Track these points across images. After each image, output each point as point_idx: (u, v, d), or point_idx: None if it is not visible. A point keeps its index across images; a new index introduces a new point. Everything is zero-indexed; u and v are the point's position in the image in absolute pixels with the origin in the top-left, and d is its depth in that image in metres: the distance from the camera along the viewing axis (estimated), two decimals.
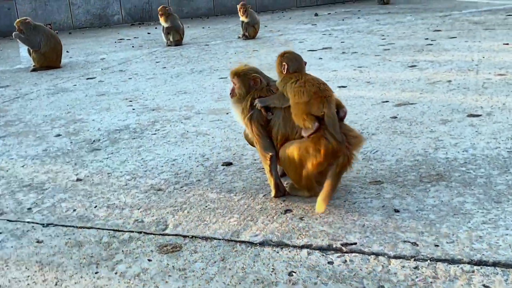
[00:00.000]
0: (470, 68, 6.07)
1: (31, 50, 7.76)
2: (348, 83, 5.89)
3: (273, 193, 3.19)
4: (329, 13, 12.64)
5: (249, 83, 3.13)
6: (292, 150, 2.84)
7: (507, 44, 7.25)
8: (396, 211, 2.95)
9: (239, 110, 3.20)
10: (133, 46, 9.67)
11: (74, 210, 3.24)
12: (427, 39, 8.14)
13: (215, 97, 5.70)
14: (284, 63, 2.96)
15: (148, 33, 11.29)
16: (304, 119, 2.77)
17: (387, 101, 5.05)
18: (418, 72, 6.12)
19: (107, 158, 4.10)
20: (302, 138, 2.86)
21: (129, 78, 6.96)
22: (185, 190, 3.42)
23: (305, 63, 3.08)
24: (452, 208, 2.94)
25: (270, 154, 3.05)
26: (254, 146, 3.40)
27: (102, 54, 9.02)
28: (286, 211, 3.03)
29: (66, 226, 3.04)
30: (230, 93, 3.24)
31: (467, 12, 10.93)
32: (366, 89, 5.58)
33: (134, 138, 4.53)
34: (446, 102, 4.89)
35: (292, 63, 2.95)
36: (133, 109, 5.41)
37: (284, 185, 3.23)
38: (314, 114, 2.78)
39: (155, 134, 4.60)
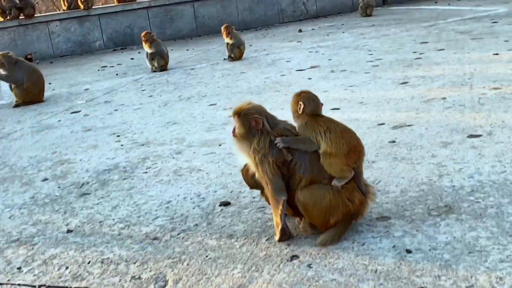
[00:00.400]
0: (463, 83, 5.97)
1: (13, 86, 7.55)
2: (340, 104, 5.76)
3: (277, 237, 3.03)
4: (313, 29, 12.56)
5: (249, 124, 2.97)
6: (321, 196, 2.79)
7: (497, 54, 7.18)
8: (408, 251, 2.80)
9: (245, 149, 3.02)
10: (117, 74, 9.50)
11: (67, 267, 3.04)
12: (415, 52, 8.06)
13: (206, 126, 5.54)
14: (300, 103, 2.85)
15: (132, 59, 11.12)
16: (342, 169, 2.74)
17: (383, 124, 4.91)
18: (411, 89, 6.01)
19: (98, 204, 3.91)
20: (329, 184, 2.81)
21: (115, 110, 6.78)
22: (183, 238, 3.24)
23: (322, 104, 2.92)
24: (466, 245, 2.80)
25: (284, 198, 2.90)
26: (254, 188, 3.23)
27: (86, 84, 8.84)
28: (292, 258, 2.86)
29: (60, 287, 2.85)
30: (232, 132, 3.07)
31: (452, 21, 10.89)
32: (360, 110, 5.45)
33: (124, 179, 4.34)
34: (443, 122, 4.77)
35: (309, 103, 2.85)
36: (122, 145, 5.23)
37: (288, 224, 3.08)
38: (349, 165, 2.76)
39: (146, 172, 4.42)
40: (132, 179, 4.33)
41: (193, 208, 3.64)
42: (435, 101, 5.42)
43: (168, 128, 5.64)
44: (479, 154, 3.97)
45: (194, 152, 4.77)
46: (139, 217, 3.61)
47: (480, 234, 2.88)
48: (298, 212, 3.07)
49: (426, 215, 3.16)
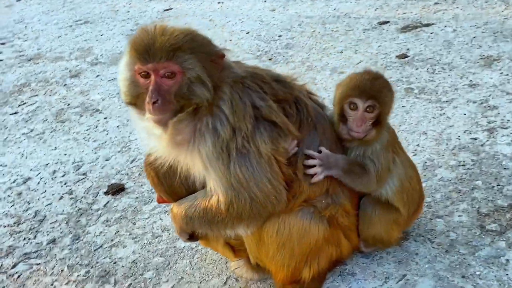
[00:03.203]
0: None
1: None
2: None
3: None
4: None
5: (208, 67, 1.34)
6: (306, 228, 1.47)
7: None
8: None
9: (188, 136, 1.36)
10: None
11: None
12: None
13: (128, 27, 3.82)
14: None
15: None
16: (395, 237, 1.61)
17: (386, 22, 3.24)
18: None
19: None
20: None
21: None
22: (18, 278, 1.72)
23: None
24: None
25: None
26: (164, 200, 1.54)
27: None
28: None
29: None
30: (154, 103, 1.29)
31: None
32: None
33: None
34: (480, 17, 3.11)
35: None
36: (1, 60, 3.53)
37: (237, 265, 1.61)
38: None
39: (15, 113, 2.82)
40: None
41: (61, 197, 2.09)
42: None
43: (74, 31, 3.90)
44: None
45: (98, 75, 3.12)
46: None
47: None
48: (239, 249, 1.56)
49: (477, 231, 1.63)
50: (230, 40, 3.36)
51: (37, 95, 2.99)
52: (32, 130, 2.62)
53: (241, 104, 1.36)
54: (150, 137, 1.37)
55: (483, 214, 1.72)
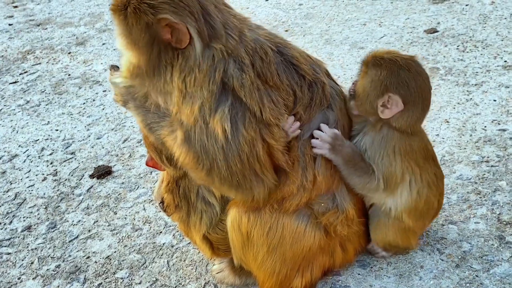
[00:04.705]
0: None
1: None
2: None
3: None
4: None
5: (155, 37, 1.16)
6: (299, 233, 1.29)
7: None
8: None
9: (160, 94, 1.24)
10: None
11: None
12: None
13: None
14: (390, 96, 1.25)
15: None
16: (414, 241, 1.41)
17: None
18: None
19: None
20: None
21: None
22: None
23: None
24: None
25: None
26: (155, 165, 1.39)
27: None
28: None
29: None
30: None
31: None
32: None
33: None
34: None
35: (414, 105, 1.27)
36: (11, 24, 3.40)
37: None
38: None
39: (15, 82, 2.68)
40: None
41: (45, 178, 1.95)
42: None
43: None
44: None
45: (104, 44, 2.95)
46: None
47: None
48: (217, 248, 1.38)
49: (494, 242, 1.42)
50: (247, 8, 3.13)
51: (40, 63, 2.84)
52: (28, 102, 2.48)
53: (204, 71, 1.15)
54: None
55: (504, 222, 1.49)
